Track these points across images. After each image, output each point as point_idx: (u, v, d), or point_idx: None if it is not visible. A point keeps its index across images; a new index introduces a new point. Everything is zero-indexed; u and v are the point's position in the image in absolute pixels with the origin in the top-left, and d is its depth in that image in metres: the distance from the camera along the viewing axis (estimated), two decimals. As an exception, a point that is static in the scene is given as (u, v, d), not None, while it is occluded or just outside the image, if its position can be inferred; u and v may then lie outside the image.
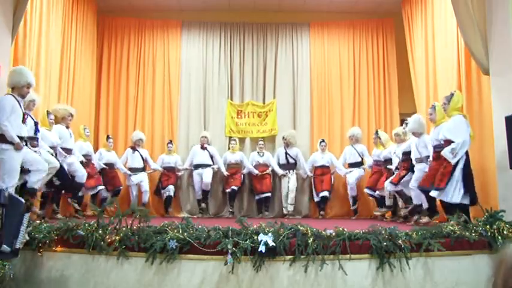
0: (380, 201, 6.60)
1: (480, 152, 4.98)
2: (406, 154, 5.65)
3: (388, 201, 6.32)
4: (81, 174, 5.73)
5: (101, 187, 6.51)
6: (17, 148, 4.11)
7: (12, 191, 4.11)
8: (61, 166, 5.20)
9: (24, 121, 4.29)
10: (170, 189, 7.15)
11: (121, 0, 7.69)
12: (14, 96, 4.20)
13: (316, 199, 7.21)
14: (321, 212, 7.17)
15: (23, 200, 3.08)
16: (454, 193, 4.36)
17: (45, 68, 5.69)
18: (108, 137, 7.09)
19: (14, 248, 2.91)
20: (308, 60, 8.00)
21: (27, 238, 3.18)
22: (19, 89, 4.24)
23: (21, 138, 4.17)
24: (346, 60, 7.98)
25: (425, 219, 5.22)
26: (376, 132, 6.90)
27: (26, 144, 4.33)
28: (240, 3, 7.81)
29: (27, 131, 4.38)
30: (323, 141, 7.30)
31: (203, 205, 7.26)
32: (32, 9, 5.34)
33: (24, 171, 4.32)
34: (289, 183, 7.18)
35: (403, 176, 5.59)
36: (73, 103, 6.61)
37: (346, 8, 7.94)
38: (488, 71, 4.71)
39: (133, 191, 7.04)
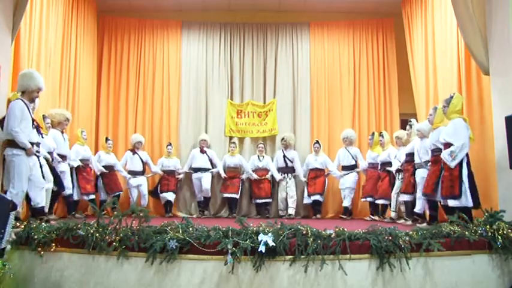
0: (382, 208, 6.52)
1: (480, 152, 4.98)
2: (410, 155, 5.58)
3: (394, 214, 6.08)
4: (69, 188, 5.63)
5: (92, 196, 6.37)
6: (29, 153, 4.11)
7: (21, 196, 4.12)
8: (56, 172, 5.20)
9: (33, 126, 4.29)
10: (170, 196, 7.12)
11: (121, 0, 7.70)
12: (24, 101, 4.20)
13: (305, 200, 7.14)
14: (318, 216, 7.10)
15: (8, 198, 3.07)
16: (466, 197, 4.35)
17: (45, 68, 5.69)
18: (107, 139, 7.04)
19: (0, 247, 2.88)
20: (308, 60, 7.99)
21: (14, 237, 3.16)
22: (29, 93, 4.26)
23: (31, 144, 4.19)
24: (346, 60, 7.98)
25: (423, 225, 5.18)
26: (372, 134, 6.86)
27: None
28: (240, 3, 7.81)
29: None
30: (317, 142, 7.24)
31: (206, 212, 7.27)
32: (32, 9, 5.33)
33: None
34: (288, 188, 7.11)
35: (414, 184, 5.43)
36: (73, 104, 6.62)
37: (346, 8, 7.94)
38: (488, 71, 4.71)
39: (133, 193, 7.00)
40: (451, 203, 4.45)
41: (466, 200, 4.35)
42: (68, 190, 5.66)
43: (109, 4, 7.75)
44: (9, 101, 4.54)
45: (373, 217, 6.56)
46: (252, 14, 8.06)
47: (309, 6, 7.91)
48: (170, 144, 7.41)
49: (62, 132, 5.73)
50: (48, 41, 5.80)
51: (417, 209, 5.34)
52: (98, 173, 6.68)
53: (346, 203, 6.97)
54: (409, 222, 5.58)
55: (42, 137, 4.62)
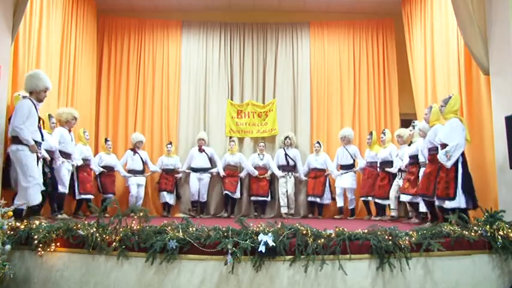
0: (379, 209, 6.49)
1: (480, 152, 4.97)
2: (414, 158, 5.51)
3: (394, 212, 6.15)
4: (65, 186, 5.50)
5: (91, 196, 6.30)
6: (32, 150, 4.16)
7: (38, 188, 4.18)
8: (53, 172, 5.19)
9: (39, 126, 4.34)
10: (167, 197, 7.13)
11: (121, 0, 7.70)
12: (32, 101, 4.27)
13: (309, 199, 7.20)
14: (310, 215, 7.17)
15: None
16: (459, 198, 4.33)
17: (45, 68, 5.66)
18: (106, 140, 7.04)
19: None
20: (308, 60, 8.00)
21: None
22: (37, 93, 4.36)
23: (36, 143, 4.25)
24: (346, 60, 7.98)
25: (427, 224, 5.16)
26: (371, 133, 6.89)
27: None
28: (240, 3, 7.81)
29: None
30: (317, 142, 7.28)
31: (195, 210, 7.24)
32: (32, 9, 5.33)
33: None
34: (288, 185, 7.15)
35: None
36: (73, 104, 6.60)
37: (346, 8, 7.94)
38: (488, 71, 4.71)
39: (133, 190, 6.98)
40: (448, 204, 4.39)
41: (463, 202, 4.30)
42: (63, 188, 5.51)
43: (109, 4, 7.75)
44: (14, 100, 4.62)
45: (371, 217, 6.58)
46: (252, 14, 8.05)
47: (309, 6, 7.91)
48: (170, 143, 7.42)
49: (69, 131, 5.72)
50: (48, 41, 5.80)
51: (422, 208, 5.29)
52: (97, 173, 6.69)
53: (340, 202, 7.00)
54: (416, 220, 5.60)
55: (43, 139, 4.62)
